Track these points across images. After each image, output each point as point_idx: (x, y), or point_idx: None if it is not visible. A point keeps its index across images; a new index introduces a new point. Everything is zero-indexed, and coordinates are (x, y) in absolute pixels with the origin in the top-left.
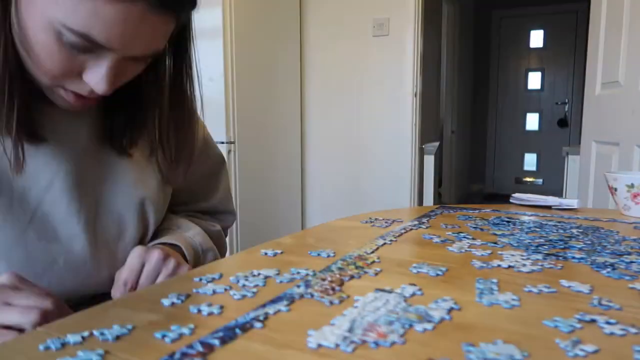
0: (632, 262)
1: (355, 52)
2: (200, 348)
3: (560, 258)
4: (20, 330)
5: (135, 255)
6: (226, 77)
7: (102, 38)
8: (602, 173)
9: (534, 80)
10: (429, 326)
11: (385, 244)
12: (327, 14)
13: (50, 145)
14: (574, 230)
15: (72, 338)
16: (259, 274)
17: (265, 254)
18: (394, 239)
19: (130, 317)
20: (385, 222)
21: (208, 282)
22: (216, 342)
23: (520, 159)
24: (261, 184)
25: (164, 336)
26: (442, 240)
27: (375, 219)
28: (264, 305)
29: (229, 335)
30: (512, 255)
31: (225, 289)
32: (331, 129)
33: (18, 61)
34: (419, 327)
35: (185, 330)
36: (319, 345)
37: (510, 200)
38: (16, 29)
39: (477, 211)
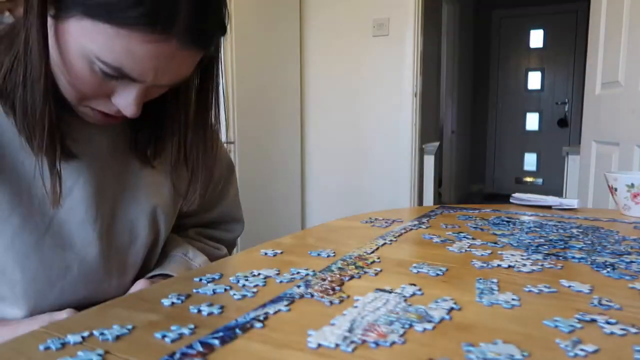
0: (632, 262)
1: (355, 52)
2: (200, 348)
3: (561, 258)
4: None
5: (137, 288)
6: (226, 77)
7: (134, 73)
8: (602, 173)
9: (534, 80)
10: (429, 326)
11: (385, 244)
12: (327, 14)
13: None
14: (574, 230)
15: (72, 338)
16: (259, 274)
17: (265, 254)
18: (394, 239)
19: (130, 317)
20: (385, 222)
21: (208, 282)
22: (216, 342)
23: (520, 159)
24: (261, 184)
25: (164, 336)
26: (442, 240)
27: (375, 219)
28: (264, 305)
29: (229, 335)
30: (512, 255)
31: (225, 289)
32: (331, 129)
33: (53, 82)
34: (419, 327)
35: (185, 330)
36: (319, 345)
37: (510, 200)
38: (51, 51)
39: (477, 211)
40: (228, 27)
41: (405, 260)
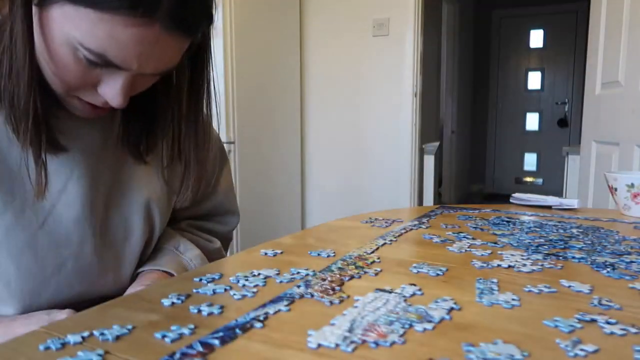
0: (632, 262)
1: (355, 52)
2: (200, 348)
3: (561, 258)
4: None
5: (135, 289)
6: (226, 78)
7: (117, 59)
8: (602, 173)
9: (534, 80)
10: (429, 326)
11: (385, 244)
12: (327, 14)
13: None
14: (574, 230)
15: (72, 338)
16: (259, 274)
17: (265, 254)
18: (394, 239)
19: (130, 317)
20: (385, 222)
21: (208, 282)
22: (216, 342)
23: (520, 159)
24: (261, 184)
25: (164, 336)
26: (442, 240)
27: (375, 219)
28: (264, 305)
29: (229, 335)
30: (512, 255)
31: (225, 289)
32: (331, 129)
33: (39, 72)
34: (418, 327)
35: (185, 330)
36: (319, 345)
37: (510, 200)
38: (36, 40)
39: (477, 211)
40: (227, 23)
41: (405, 260)
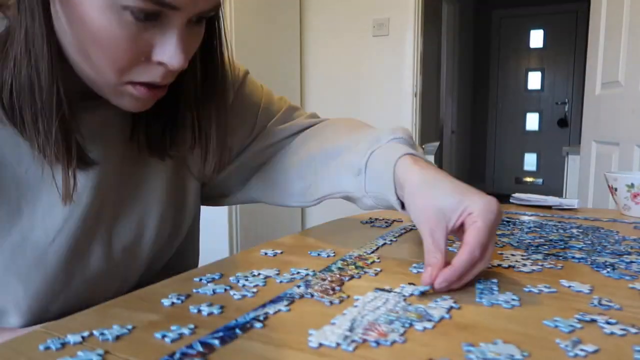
0: (632, 262)
1: (355, 52)
2: (200, 348)
3: (561, 258)
4: None
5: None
6: None
7: None
8: (602, 173)
9: (534, 80)
10: (429, 325)
11: (385, 244)
12: (327, 14)
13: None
14: (574, 230)
15: (72, 338)
16: (259, 274)
17: (265, 254)
18: (394, 239)
19: (130, 317)
20: (385, 222)
21: (208, 282)
22: (216, 342)
23: (520, 159)
24: None
25: (164, 336)
26: None
27: (375, 219)
28: (264, 305)
29: (229, 335)
30: (512, 255)
31: (225, 289)
32: None
33: (64, 75)
34: (419, 326)
35: (185, 330)
36: (320, 345)
37: (510, 200)
38: (69, 35)
39: None
40: (227, 23)
41: (405, 260)
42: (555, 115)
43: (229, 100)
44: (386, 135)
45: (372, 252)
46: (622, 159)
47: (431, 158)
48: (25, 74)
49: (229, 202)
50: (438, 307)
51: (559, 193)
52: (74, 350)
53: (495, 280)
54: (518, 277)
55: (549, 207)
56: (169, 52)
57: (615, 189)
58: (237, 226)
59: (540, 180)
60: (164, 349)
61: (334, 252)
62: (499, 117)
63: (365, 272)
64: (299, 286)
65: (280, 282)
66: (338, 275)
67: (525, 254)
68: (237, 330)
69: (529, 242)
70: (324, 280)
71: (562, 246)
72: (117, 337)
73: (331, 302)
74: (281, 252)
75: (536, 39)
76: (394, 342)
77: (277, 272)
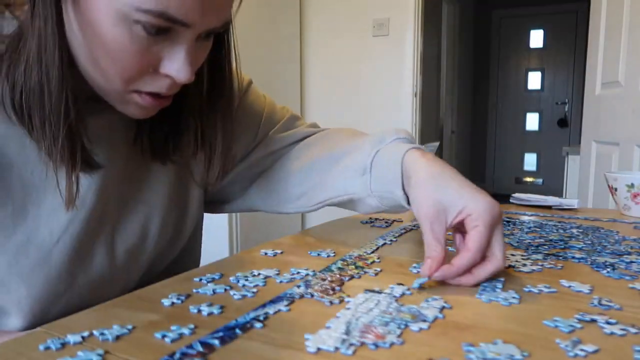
0: (632, 262)
1: (355, 52)
2: (200, 348)
3: (561, 258)
4: None
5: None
6: None
7: (180, 13)
8: (602, 173)
9: (534, 80)
10: (424, 325)
11: (385, 244)
12: (327, 14)
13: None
14: (574, 230)
15: (72, 338)
16: (259, 274)
17: (265, 254)
18: (394, 239)
19: (130, 317)
20: (385, 222)
21: (208, 282)
22: (216, 342)
23: (520, 159)
24: None
25: (164, 336)
26: None
27: (376, 219)
28: (264, 305)
29: (229, 335)
30: (513, 255)
31: (225, 289)
32: None
33: (73, 80)
34: (414, 327)
35: (185, 330)
36: (318, 349)
37: (510, 200)
38: (79, 40)
39: None
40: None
41: (405, 260)
42: (555, 115)
43: (234, 109)
44: (390, 136)
45: (372, 252)
46: (622, 159)
47: None
48: (35, 78)
49: (228, 209)
50: (430, 307)
51: (559, 193)
52: (74, 350)
53: (502, 279)
54: (518, 277)
55: (549, 207)
56: (177, 66)
57: (615, 189)
58: (237, 226)
59: (540, 180)
60: (164, 349)
61: (334, 252)
62: (499, 117)
63: (365, 272)
64: (299, 286)
65: (280, 282)
66: (338, 275)
67: (525, 254)
68: (237, 330)
69: (529, 242)
70: (324, 280)
71: (562, 246)
72: (117, 337)
73: (331, 302)
74: (281, 252)
75: (536, 39)
76: (392, 343)
77: (277, 272)
